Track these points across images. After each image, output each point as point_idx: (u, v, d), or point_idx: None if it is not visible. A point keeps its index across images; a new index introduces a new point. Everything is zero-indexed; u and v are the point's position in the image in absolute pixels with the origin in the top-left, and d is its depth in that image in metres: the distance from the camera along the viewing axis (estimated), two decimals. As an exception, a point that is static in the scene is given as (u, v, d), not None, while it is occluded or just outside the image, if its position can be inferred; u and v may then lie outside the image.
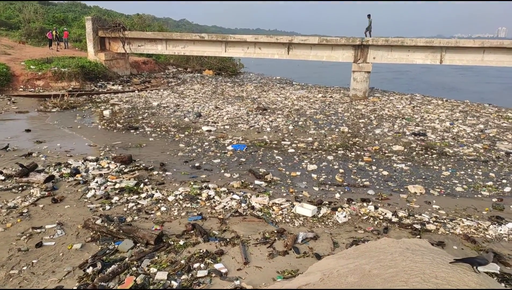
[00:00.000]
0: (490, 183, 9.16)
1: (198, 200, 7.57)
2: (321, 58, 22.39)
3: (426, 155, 11.24)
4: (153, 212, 7.04)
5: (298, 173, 9.57)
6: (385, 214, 7.26)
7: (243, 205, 7.43)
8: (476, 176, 9.65)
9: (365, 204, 7.68)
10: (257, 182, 8.75)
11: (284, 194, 8.20)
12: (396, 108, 18.15)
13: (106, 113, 15.51)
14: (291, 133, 13.37)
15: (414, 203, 7.94)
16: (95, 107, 17.01)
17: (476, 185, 9.04)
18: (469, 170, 10.10)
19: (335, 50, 21.71)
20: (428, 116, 16.55)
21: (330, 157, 10.85)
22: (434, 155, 11.25)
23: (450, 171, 9.93)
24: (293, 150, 11.44)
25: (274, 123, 14.65)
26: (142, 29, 34.15)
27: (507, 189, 8.81)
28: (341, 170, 9.85)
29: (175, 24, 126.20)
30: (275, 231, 6.37)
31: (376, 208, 7.50)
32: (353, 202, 7.77)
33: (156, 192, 7.87)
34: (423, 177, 9.54)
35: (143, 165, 9.62)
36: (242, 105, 17.79)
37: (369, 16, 21.96)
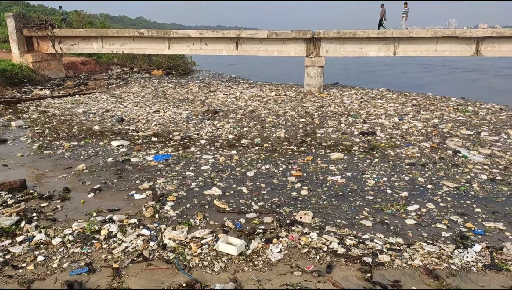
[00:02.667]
0: (404, 193, 7.74)
1: (93, 241, 5.82)
2: (272, 53, 20.99)
3: (368, 161, 9.80)
4: (24, 265, 5.23)
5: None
6: (330, 243, 5.86)
7: (151, 243, 5.77)
8: (396, 183, 8.30)
9: (305, 229, 6.24)
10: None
11: (212, 222, 6.62)
12: (343, 104, 16.90)
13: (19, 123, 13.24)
14: (224, 144, 11.26)
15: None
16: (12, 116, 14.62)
17: (384, 205, 7.30)
18: (395, 176, 8.74)
19: (286, 44, 20.39)
20: (374, 111, 15.39)
21: (250, 174, 8.87)
22: (375, 160, 9.84)
23: (375, 179, 8.55)
24: (207, 167, 9.33)
25: (219, 131, 12.61)
26: (82, 26, 31.37)
27: (411, 208, 7.18)
28: (244, 191, 7.92)
29: (131, 22, 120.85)
30: (184, 285, 4.78)
31: (319, 235, 6.09)
32: (292, 228, 6.32)
33: (40, 232, 6.04)
34: (340, 193, 7.82)
35: (38, 192, 7.70)
36: (189, 108, 15.91)
37: None
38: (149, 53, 24.23)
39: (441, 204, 7.37)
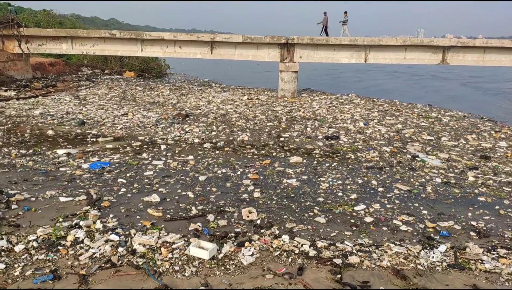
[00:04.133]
0: (354, 196, 7.94)
1: (59, 247, 5.62)
2: (246, 58, 21.08)
3: (327, 164, 9.94)
4: (-17, 273, 4.99)
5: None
6: (302, 245, 5.91)
7: (120, 249, 5.63)
8: (349, 187, 8.49)
9: (276, 231, 6.27)
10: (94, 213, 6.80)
11: (180, 228, 6.53)
12: (312, 109, 17.18)
13: None
14: (186, 148, 11.02)
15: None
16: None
17: (333, 205, 7.52)
18: (350, 179, 8.95)
19: (261, 49, 20.52)
20: (341, 116, 15.70)
21: (202, 178, 8.72)
22: (334, 164, 10.02)
23: (329, 183, 8.69)
24: (151, 173, 8.98)
25: (187, 135, 12.41)
26: (51, 26, 30.38)
27: (358, 208, 7.41)
28: (190, 196, 7.76)
29: (103, 24, 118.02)
30: (153, 290, 4.69)
31: (292, 237, 6.13)
32: (261, 231, 6.33)
33: (1, 239, 5.77)
34: (292, 195, 7.92)
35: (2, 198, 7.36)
36: (160, 112, 15.65)
37: None
38: (121, 54, 23.81)
39: (388, 206, 7.60)
